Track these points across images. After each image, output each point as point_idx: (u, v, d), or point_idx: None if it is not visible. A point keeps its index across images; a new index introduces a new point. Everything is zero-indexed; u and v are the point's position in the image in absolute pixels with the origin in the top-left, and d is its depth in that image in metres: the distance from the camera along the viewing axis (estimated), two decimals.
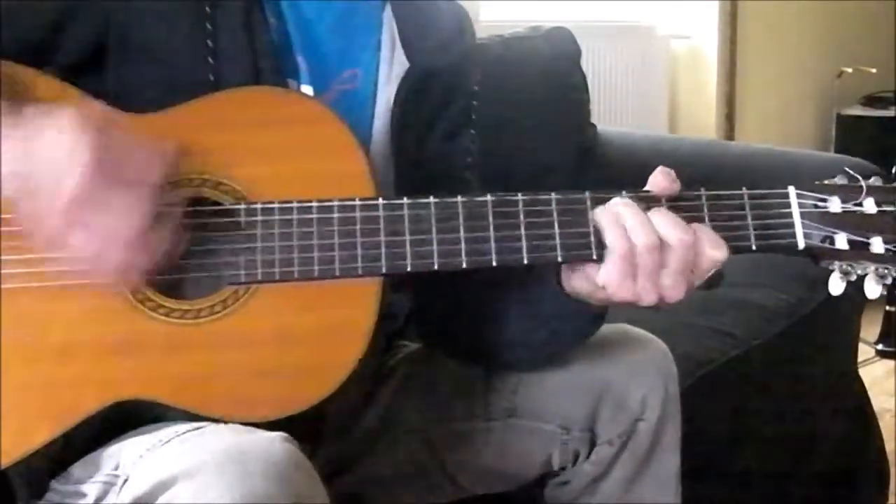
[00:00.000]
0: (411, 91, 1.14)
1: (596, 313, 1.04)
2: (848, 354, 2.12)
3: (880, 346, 3.09)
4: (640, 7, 3.29)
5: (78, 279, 0.93)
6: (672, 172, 0.98)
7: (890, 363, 3.01)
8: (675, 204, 0.97)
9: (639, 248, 0.93)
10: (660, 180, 0.98)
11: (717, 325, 1.76)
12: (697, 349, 1.68)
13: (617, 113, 2.91)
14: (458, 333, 1.16)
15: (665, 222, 0.94)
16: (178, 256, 0.94)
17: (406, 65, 1.15)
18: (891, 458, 2.15)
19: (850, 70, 3.63)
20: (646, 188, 0.98)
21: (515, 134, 2.08)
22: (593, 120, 2.40)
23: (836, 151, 3.50)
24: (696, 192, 0.98)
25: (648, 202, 0.96)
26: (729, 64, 3.46)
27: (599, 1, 3.21)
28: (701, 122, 3.42)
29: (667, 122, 3.35)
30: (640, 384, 1.13)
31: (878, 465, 2.12)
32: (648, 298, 0.95)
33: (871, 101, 3.78)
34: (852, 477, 2.08)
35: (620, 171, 2.07)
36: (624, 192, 0.97)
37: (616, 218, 0.95)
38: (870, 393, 2.13)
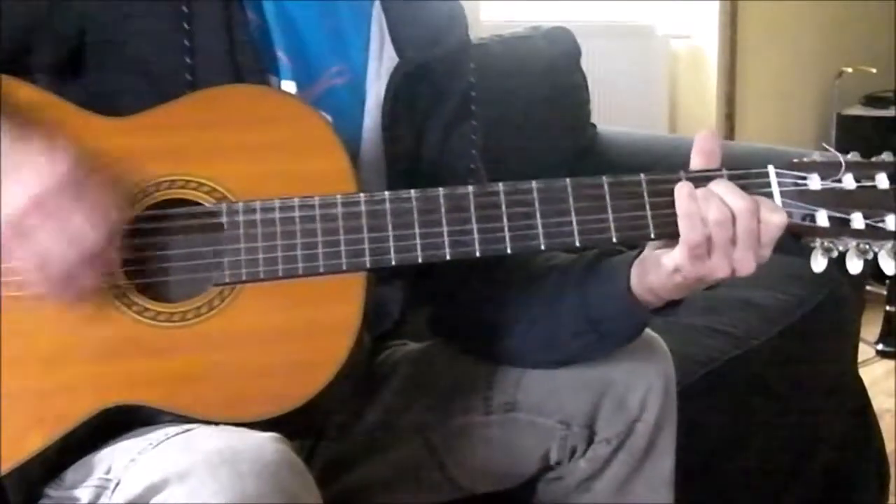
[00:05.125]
0: (402, 86, 1.13)
1: (644, 319, 1.05)
2: (848, 354, 2.12)
3: (880, 346, 3.09)
4: (639, 7, 3.29)
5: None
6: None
7: (890, 363, 3.01)
8: (657, 188, 0.98)
9: (711, 223, 0.94)
10: (705, 144, 0.99)
11: (717, 325, 1.76)
12: (697, 349, 1.68)
13: (617, 113, 2.90)
14: (480, 329, 1.16)
15: (728, 192, 0.95)
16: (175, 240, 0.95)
17: (396, 59, 1.14)
18: (891, 458, 2.15)
19: (850, 70, 3.62)
20: (694, 156, 0.99)
21: (515, 133, 2.08)
22: (593, 120, 2.40)
23: (837, 151, 3.49)
24: (674, 175, 0.98)
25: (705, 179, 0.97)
26: (729, 64, 3.46)
27: (599, 1, 3.21)
28: (701, 122, 3.41)
29: (667, 122, 3.35)
30: (641, 384, 1.13)
31: (878, 465, 2.12)
32: (722, 272, 0.96)
33: (871, 101, 3.77)
34: (852, 477, 2.08)
35: (620, 172, 2.06)
36: (682, 172, 0.98)
37: (686, 206, 0.96)
38: (870, 393, 2.14)
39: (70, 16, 1.03)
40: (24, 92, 0.98)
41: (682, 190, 0.97)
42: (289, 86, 1.08)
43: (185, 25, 1.03)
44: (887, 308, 3.12)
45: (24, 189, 0.88)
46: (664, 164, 0.99)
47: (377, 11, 1.15)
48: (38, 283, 0.91)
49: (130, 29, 1.03)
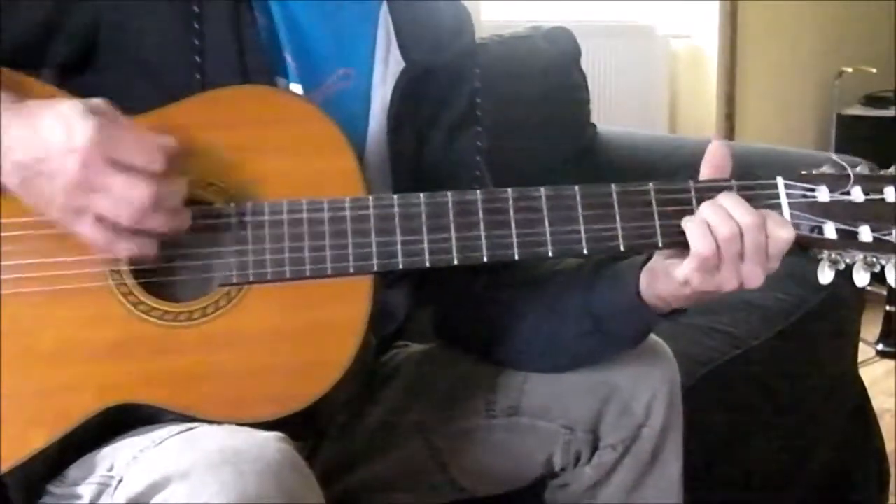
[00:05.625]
0: (407, 90, 1.13)
1: (652, 322, 1.06)
2: (848, 354, 2.12)
3: (880, 346, 3.10)
4: (639, 7, 3.29)
5: (75, 281, 0.93)
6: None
7: (890, 363, 3.01)
8: (665, 197, 0.98)
9: (720, 239, 0.94)
10: (716, 157, 0.99)
11: (717, 325, 1.76)
12: (697, 349, 1.68)
13: (617, 113, 2.91)
14: (485, 332, 1.17)
15: (734, 206, 0.96)
16: (181, 239, 0.94)
17: (402, 64, 1.14)
18: (891, 458, 2.15)
19: (850, 70, 3.62)
20: (704, 166, 0.99)
21: (515, 134, 2.08)
22: (593, 120, 2.40)
23: (837, 151, 3.49)
24: (683, 185, 0.99)
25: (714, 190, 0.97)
26: (729, 64, 3.46)
27: (599, 1, 3.21)
28: (701, 122, 3.42)
29: (667, 122, 3.35)
30: (646, 390, 1.13)
31: (878, 465, 2.12)
32: (730, 286, 0.96)
33: (871, 101, 3.78)
34: (852, 477, 2.08)
35: (620, 171, 2.07)
36: (691, 182, 0.98)
37: (696, 221, 0.96)
38: (870, 393, 2.14)
39: (85, 13, 1.03)
40: (29, 88, 0.98)
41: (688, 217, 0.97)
42: (296, 88, 1.08)
43: (196, 25, 1.04)
44: (887, 308, 3.12)
45: (64, 162, 0.86)
46: (664, 164, 1.00)
47: (384, 15, 1.15)
48: (109, 251, 0.90)
49: (142, 27, 1.03)
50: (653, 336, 1.13)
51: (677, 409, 1.16)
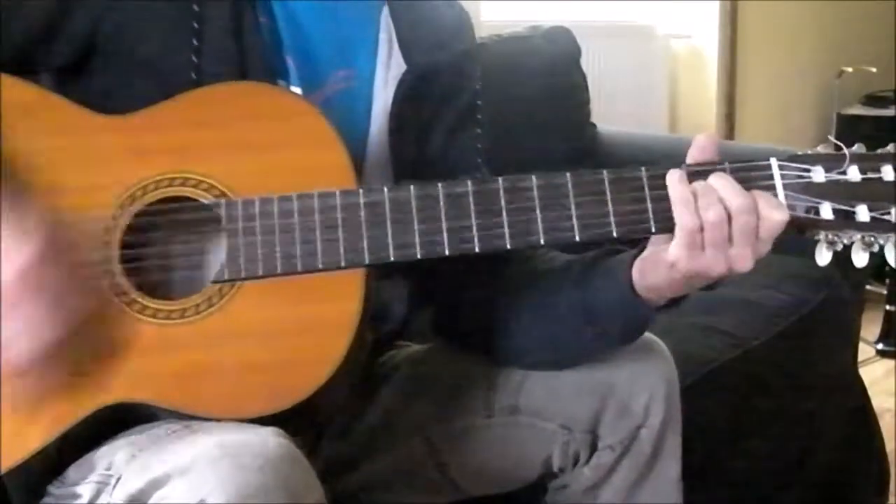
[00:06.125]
0: (409, 93, 1.13)
1: (647, 315, 1.05)
2: (848, 354, 2.12)
3: (880, 346, 3.09)
4: (639, 7, 3.29)
5: None
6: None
7: (890, 363, 3.01)
8: (657, 182, 0.97)
9: (707, 221, 0.94)
10: (704, 145, 0.98)
11: (717, 325, 1.76)
12: (697, 349, 1.68)
13: (617, 113, 2.90)
14: (482, 329, 1.16)
15: (725, 187, 0.95)
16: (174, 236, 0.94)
17: (403, 66, 1.14)
18: (891, 458, 2.15)
19: (850, 70, 3.62)
20: (692, 159, 0.98)
21: (515, 134, 2.08)
22: (593, 120, 2.40)
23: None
24: (676, 169, 0.98)
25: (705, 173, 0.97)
26: (729, 64, 3.46)
27: (599, 1, 3.21)
28: (701, 122, 3.41)
29: (667, 122, 3.35)
30: (644, 390, 1.13)
31: (878, 465, 2.12)
32: (719, 269, 0.95)
33: (871, 100, 3.77)
34: (852, 477, 2.08)
35: None
36: (683, 166, 0.97)
37: (680, 191, 0.95)
38: (870, 393, 2.13)
39: (85, 15, 1.03)
40: (19, 91, 0.98)
41: (674, 176, 0.96)
42: (295, 90, 1.08)
43: (195, 25, 1.03)
44: (887, 308, 3.11)
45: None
46: (664, 165, 0.99)
47: (385, 18, 1.15)
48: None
49: (141, 28, 1.03)
50: (649, 334, 1.13)
51: (675, 408, 1.15)
